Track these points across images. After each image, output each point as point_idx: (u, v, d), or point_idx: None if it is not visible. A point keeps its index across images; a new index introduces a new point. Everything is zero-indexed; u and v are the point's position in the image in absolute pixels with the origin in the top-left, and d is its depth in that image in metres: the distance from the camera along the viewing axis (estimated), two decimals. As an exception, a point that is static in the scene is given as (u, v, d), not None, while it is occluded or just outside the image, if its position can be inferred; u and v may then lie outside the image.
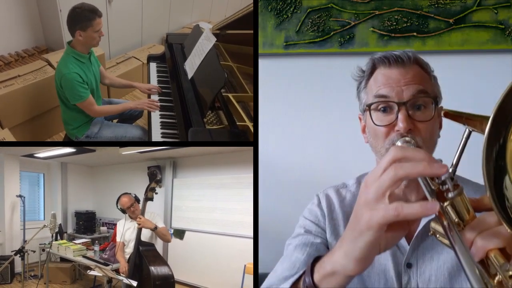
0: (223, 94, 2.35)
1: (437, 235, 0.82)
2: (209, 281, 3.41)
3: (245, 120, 2.16)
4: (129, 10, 4.01)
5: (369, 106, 1.19)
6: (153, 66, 3.19)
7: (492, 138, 0.67)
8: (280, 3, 2.38)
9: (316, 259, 0.90)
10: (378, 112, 1.18)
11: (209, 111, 2.31)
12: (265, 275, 2.28)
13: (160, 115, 2.54)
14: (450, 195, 0.74)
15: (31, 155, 3.82)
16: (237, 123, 2.15)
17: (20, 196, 3.74)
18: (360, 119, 1.32)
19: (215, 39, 2.59)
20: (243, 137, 2.08)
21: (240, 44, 3.02)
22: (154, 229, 2.86)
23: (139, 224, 2.83)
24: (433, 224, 0.83)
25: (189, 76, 2.58)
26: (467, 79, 2.32)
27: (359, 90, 1.29)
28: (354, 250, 0.76)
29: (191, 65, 2.63)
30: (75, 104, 2.50)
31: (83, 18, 2.41)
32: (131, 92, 3.84)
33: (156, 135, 2.37)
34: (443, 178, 0.75)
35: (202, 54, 2.57)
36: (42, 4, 3.27)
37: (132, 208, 2.99)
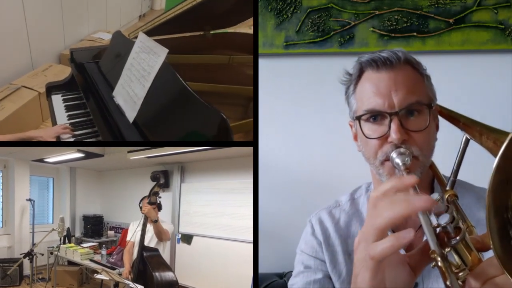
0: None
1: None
2: (217, 287, 3.40)
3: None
4: (8, 26, 3.18)
5: (358, 118, 1.12)
6: (57, 99, 2.50)
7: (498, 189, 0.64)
8: (280, 3, 2.38)
9: None
10: (368, 122, 1.11)
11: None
12: (266, 275, 2.29)
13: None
14: (452, 242, 0.74)
15: (41, 160, 3.87)
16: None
17: (29, 200, 3.80)
18: (351, 126, 1.24)
19: (167, 50, 1.85)
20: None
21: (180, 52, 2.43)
22: (154, 222, 2.80)
23: (144, 211, 2.76)
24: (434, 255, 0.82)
25: (132, 110, 1.89)
26: (467, 79, 2.31)
27: (348, 95, 1.20)
28: None
29: (129, 95, 1.96)
30: None
31: None
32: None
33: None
34: (443, 223, 0.75)
35: (149, 75, 1.87)
36: None
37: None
